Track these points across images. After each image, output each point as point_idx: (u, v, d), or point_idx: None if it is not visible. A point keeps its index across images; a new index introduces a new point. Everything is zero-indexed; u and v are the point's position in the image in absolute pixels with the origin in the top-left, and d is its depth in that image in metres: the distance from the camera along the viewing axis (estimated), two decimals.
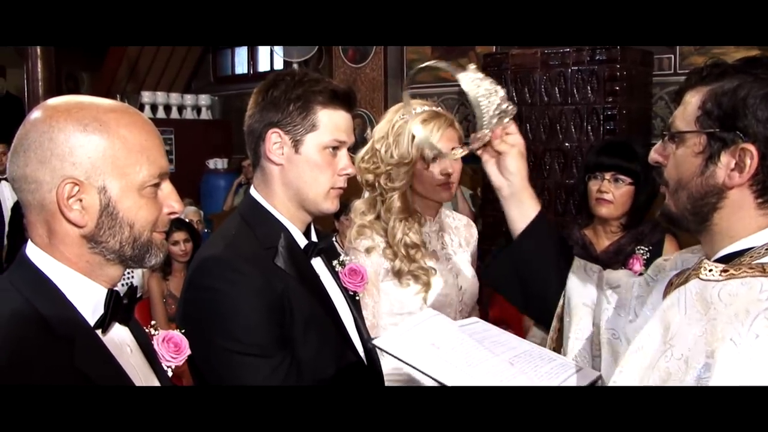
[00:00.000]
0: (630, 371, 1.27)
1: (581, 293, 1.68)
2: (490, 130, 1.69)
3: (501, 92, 1.69)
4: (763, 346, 1.09)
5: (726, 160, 1.23)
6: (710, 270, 1.26)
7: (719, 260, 1.27)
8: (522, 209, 1.74)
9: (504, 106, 1.69)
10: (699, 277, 1.27)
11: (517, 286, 1.79)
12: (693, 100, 1.28)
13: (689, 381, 1.16)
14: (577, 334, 1.66)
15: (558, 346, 1.71)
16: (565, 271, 1.73)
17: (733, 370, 1.10)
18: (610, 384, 1.30)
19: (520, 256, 1.76)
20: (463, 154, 1.95)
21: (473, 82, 1.68)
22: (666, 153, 1.34)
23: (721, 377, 1.10)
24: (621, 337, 1.57)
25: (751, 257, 1.23)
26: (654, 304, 1.43)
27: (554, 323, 1.73)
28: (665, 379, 1.20)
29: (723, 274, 1.24)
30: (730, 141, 1.23)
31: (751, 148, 1.20)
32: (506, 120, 1.70)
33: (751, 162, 1.21)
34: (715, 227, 1.28)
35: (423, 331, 1.55)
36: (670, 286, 1.35)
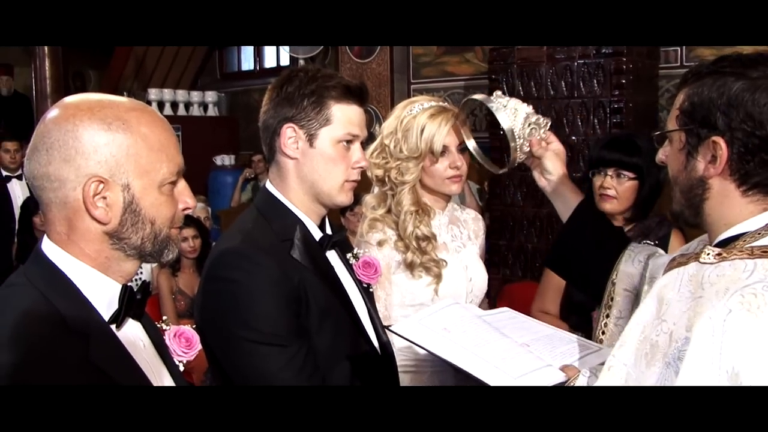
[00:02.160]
0: (629, 343, 1.35)
1: (624, 280, 1.82)
2: (524, 140, 1.96)
3: (527, 108, 1.98)
4: (734, 320, 1.14)
5: (702, 153, 1.33)
6: (708, 254, 1.34)
7: (718, 245, 1.35)
8: (566, 203, 1.97)
9: (533, 119, 1.96)
10: (699, 261, 1.35)
11: (570, 269, 2.03)
12: (678, 101, 1.39)
13: (671, 353, 1.23)
14: (617, 321, 1.79)
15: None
16: (612, 253, 1.88)
17: (706, 344, 1.15)
18: (611, 357, 1.38)
19: (565, 245, 1.99)
20: (507, 168, 2.19)
21: (499, 104, 1.97)
22: (667, 152, 1.45)
23: (695, 351, 1.16)
24: None
25: (744, 241, 1.30)
26: None
27: (602, 311, 1.86)
28: (654, 351, 1.28)
29: (717, 257, 1.32)
30: (703, 136, 1.32)
31: (720, 140, 1.30)
32: (542, 131, 1.97)
33: (722, 153, 1.30)
34: (709, 217, 1.37)
35: (439, 317, 1.65)
36: (673, 262, 1.43)
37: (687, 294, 1.30)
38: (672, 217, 1.48)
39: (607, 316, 1.84)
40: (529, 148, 1.97)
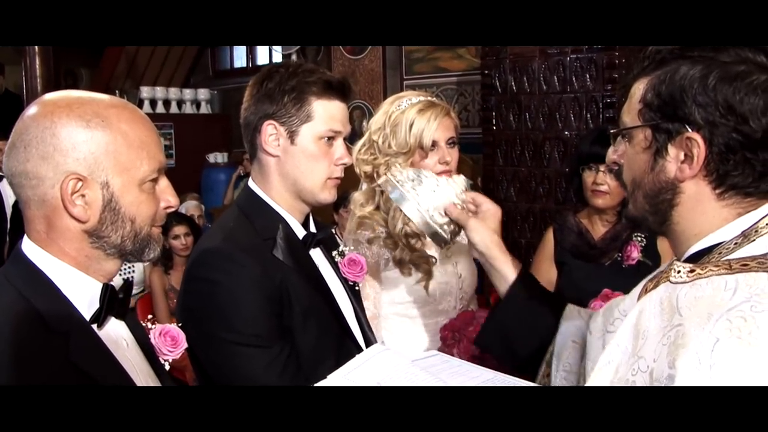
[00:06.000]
0: (599, 384, 1.21)
1: (571, 332, 1.64)
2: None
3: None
4: (723, 350, 0.98)
5: (674, 152, 1.15)
6: (679, 271, 1.18)
7: (689, 260, 1.19)
8: (499, 277, 1.80)
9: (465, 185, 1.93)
10: (669, 280, 1.19)
11: (506, 348, 1.79)
12: (636, 92, 1.21)
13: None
14: (566, 367, 1.63)
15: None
16: (553, 325, 1.70)
17: (694, 380, 0.99)
18: None
19: (502, 322, 1.79)
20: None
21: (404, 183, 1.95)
22: (621, 152, 1.27)
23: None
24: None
25: (719, 254, 1.14)
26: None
27: (543, 368, 1.69)
28: None
29: (690, 274, 1.15)
30: (675, 131, 1.14)
31: (696, 136, 1.12)
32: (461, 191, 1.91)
33: (699, 151, 1.12)
34: (677, 226, 1.20)
35: (368, 369, 1.52)
36: (644, 293, 1.25)
37: (662, 323, 1.13)
38: (630, 222, 1.31)
39: (548, 374, 1.67)
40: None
